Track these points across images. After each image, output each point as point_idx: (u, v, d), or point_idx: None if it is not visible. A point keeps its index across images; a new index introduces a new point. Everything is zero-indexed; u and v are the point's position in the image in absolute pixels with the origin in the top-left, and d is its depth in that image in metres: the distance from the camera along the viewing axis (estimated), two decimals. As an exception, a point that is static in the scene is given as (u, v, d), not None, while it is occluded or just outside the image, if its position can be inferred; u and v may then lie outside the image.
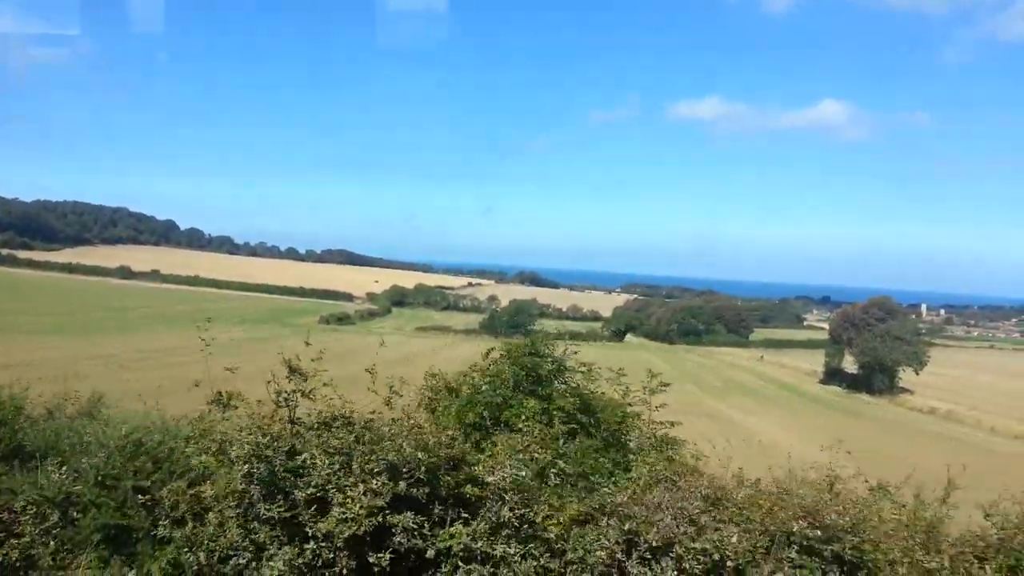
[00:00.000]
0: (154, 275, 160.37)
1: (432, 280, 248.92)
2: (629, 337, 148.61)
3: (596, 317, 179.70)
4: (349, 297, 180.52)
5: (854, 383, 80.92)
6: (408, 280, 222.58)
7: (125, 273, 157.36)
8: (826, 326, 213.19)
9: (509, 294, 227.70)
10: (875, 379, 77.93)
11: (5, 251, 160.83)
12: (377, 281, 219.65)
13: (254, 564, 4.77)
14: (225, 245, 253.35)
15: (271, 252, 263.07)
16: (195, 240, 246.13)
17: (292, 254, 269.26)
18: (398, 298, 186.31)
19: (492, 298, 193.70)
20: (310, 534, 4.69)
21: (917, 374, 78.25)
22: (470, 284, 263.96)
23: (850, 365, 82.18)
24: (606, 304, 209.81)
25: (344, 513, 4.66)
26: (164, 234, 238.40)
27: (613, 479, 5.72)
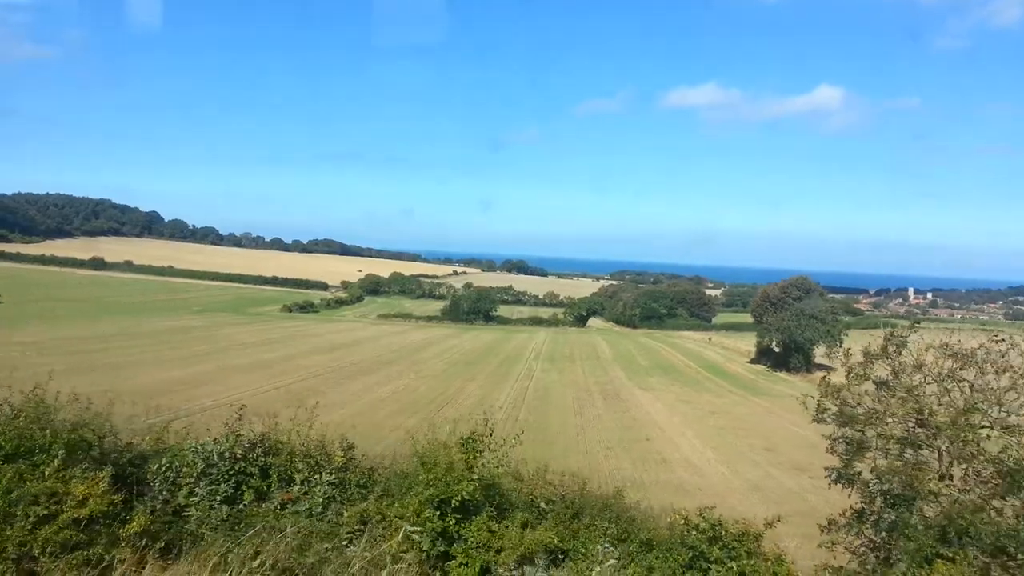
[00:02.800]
0: (126, 265, 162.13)
1: (415, 269, 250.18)
2: (593, 321, 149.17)
3: (571, 303, 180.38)
4: (324, 286, 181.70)
5: (777, 361, 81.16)
6: (395, 269, 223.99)
7: (97, 264, 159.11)
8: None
9: (491, 281, 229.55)
10: (792, 357, 78.19)
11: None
12: (360, 271, 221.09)
13: None
14: (210, 236, 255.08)
15: (256, 243, 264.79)
16: (179, 231, 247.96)
17: (278, 244, 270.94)
18: (373, 286, 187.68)
19: (467, 286, 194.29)
20: None
21: (830, 352, 78.27)
22: (455, 273, 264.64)
23: (776, 344, 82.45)
24: (587, 291, 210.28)
25: None
26: (147, 225, 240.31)
27: None
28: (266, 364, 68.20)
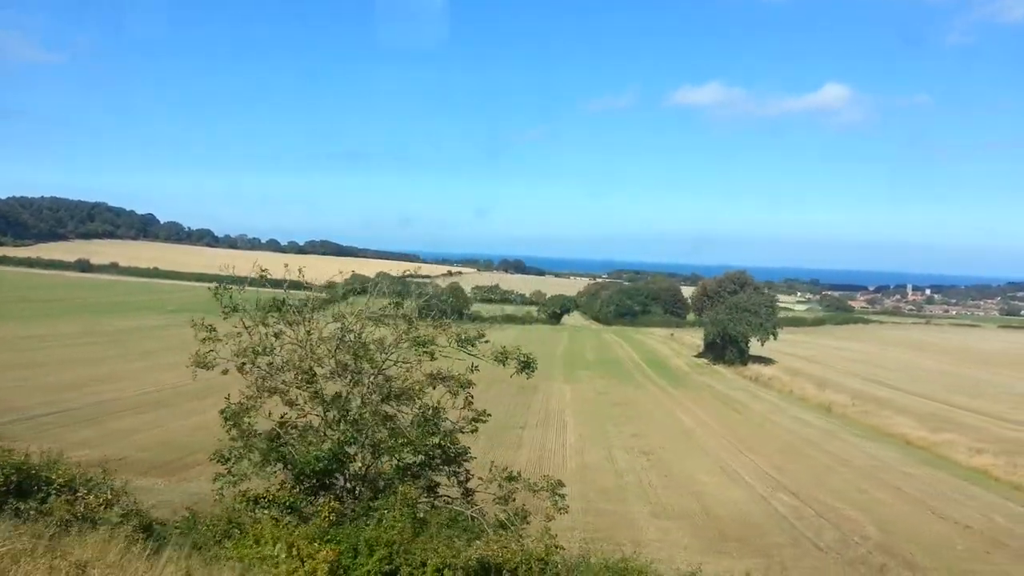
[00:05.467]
0: (112, 267, 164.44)
1: (408, 269, 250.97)
2: (571, 318, 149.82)
3: (546, 301, 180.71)
4: (308, 287, 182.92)
5: (717, 355, 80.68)
6: (390, 270, 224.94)
7: (83, 266, 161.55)
8: (795, 307, 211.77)
9: (485, 281, 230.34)
10: (727, 349, 77.86)
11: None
12: (352, 271, 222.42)
13: None
14: (205, 238, 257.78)
15: (251, 244, 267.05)
16: (174, 233, 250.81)
17: (273, 246, 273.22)
18: (359, 286, 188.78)
19: (454, 285, 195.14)
20: None
21: (762, 345, 78.01)
22: (448, 273, 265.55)
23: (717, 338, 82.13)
24: (578, 290, 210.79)
25: None
26: (143, 228, 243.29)
27: None
28: (202, 361, 68.98)
